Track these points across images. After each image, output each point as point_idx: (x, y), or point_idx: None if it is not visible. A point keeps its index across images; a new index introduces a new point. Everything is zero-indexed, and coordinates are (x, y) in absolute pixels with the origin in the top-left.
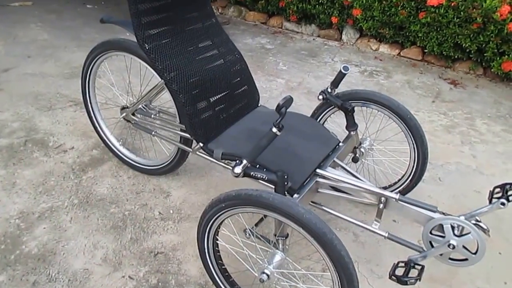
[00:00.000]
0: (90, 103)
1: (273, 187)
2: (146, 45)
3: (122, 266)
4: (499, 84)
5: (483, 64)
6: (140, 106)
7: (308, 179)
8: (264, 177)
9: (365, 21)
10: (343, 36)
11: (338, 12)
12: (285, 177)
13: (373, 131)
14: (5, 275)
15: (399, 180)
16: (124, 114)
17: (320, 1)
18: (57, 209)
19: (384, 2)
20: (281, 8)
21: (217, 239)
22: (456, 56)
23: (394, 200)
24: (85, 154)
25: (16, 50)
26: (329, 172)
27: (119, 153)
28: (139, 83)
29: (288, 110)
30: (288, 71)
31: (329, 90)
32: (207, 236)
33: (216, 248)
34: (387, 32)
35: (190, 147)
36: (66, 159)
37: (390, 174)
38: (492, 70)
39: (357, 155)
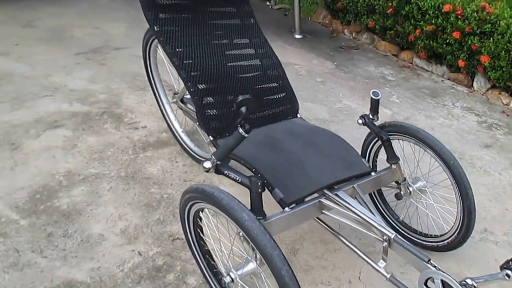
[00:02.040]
0: (155, 85)
1: None
2: (156, 27)
3: (136, 241)
4: None
5: None
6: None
7: (312, 196)
8: (237, 179)
9: (493, 70)
10: (474, 84)
11: (466, 56)
12: (259, 184)
13: (424, 172)
14: (27, 221)
15: (448, 231)
16: (174, 100)
17: (448, 41)
18: (102, 177)
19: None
20: (411, 42)
21: (200, 233)
22: None
23: (391, 238)
24: (153, 135)
25: (135, 33)
26: (339, 196)
27: (180, 139)
28: None
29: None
30: (399, 105)
31: (370, 116)
32: (188, 227)
33: (202, 242)
34: None
35: None
36: (133, 135)
37: (441, 224)
38: None
39: (402, 192)
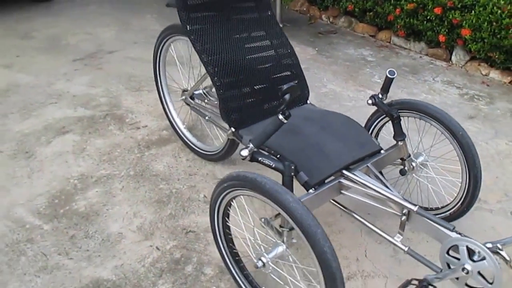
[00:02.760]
0: (161, 84)
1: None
2: (188, 26)
3: (153, 237)
4: None
5: None
6: (199, 91)
7: (332, 177)
8: (271, 164)
9: (474, 43)
10: (453, 57)
11: (446, 30)
12: (292, 168)
13: (427, 146)
14: (50, 225)
15: (451, 202)
16: (183, 97)
17: (428, 18)
18: (113, 177)
19: (494, 23)
20: (390, 22)
21: (227, 221)
22: None
23: (413, 212)
24: (155, 133)
25: (126, 36)
26: (356, 175)
27: (182, 135)
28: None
29: (336, 111)
30: (381, 84)
31: (380, 95)
32: (216, 216)
33: (227, 230)
34: (496, 57)
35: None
36: (136, 135)
37: (442, 195)
38: None
39: (406, 168)
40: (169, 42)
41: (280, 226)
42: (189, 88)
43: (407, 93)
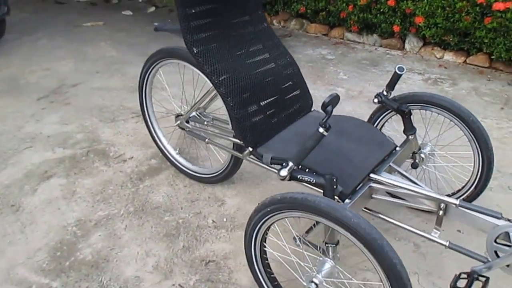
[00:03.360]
0: (148, 112)
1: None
2: (194, 49)
3: (172, 274)
4: None
5: None
6: (194, 113)
7: (361, 184)
8: (312, 180)
9: (428, 29)
10: (406, 45)
11: (400, 20)
12: (334, 180)
13: (433, 136)
14: (59, 282)
15: (463, 187)
16: (178, 122)
17: (381, 10)
18: (113, 217)
19: (447, 8)
20: (342, 19)
21: (265, 246)
22: None
23: (455, 206)
24: (144, 164)
25: (85, 67)
26: (384, 177)
27: (176, 162)
28: (193, 90)
29: (342, 114)
30: (348, 80)
31: (384, 93)
32: (253, 243)
33: (264, 255)
34: (451, 39)
35: (242, 153)
36: (125, 168)
37: (453, 181)
38: None
39: (417, 161)
40: (157, 68)
41: (324, 242)
42: (182, 113)
43: (375, 85)
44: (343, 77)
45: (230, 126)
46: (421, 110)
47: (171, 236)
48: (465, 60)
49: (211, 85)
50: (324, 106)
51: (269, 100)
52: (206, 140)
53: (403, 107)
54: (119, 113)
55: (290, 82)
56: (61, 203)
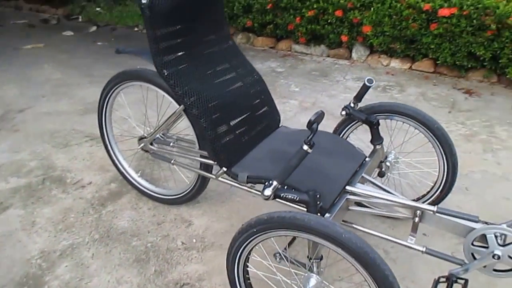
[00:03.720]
0: (107, 136)
1: (303, 208)
2: (165, 71)
3: None
4: None
5: (497, 71)
6: (157, 135)
7: (339, 197)
8: (295, 197)
9: (375, 37)
10: (353, 54)
11: (347, 30)
12: (317, 196)
13: (396, 144)
14: None
15: (428, 192)
16: (142, 145)
17: (329, 21)
18: (78, 246)
19: (394, 16)
20: (290, 31)
21: (248, 266)
22: (469, 65)
23: (432, 212)
24: (103, 189)
25: (30, 91)
26: (359, 188)
27: (138, 185)
28: (154, 112)
29: (305, 128)
30: (300, 92)
31: (351, 105)
32: (237, 264)
33: (247, 275)
34: (398, 47)
35: (211, 173)
36: (85, 194)
37: (417, 187)
38: (507, 76)
39: (383, 169)
40: (118, 91)
41: (309, 258)
42: (146, 135)
43: (327, 96)
44: (295, 89)
45: (196, 146)
46: (386, 120)
47: (141, 261)
48: (410, 66)
49: (177, 106)
50: (310, 123)
51: (240, 118)
52: (172, 161)
53: (371, 118)
54: (71, 137)
55: (258, 100)
56: (21, 235)
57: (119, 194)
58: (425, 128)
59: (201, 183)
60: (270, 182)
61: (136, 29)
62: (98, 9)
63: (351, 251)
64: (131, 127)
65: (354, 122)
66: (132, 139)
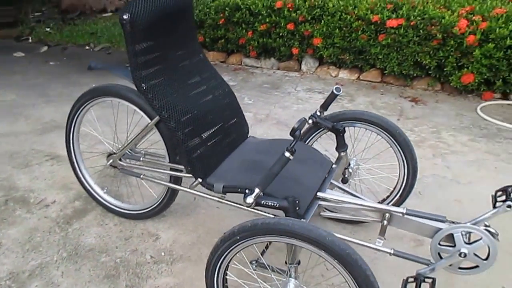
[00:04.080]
0: (74, 153)
1: (271, 215)
2: (143, 85)
3: None
4: (458, 97)
5: (441, 79)
6: (126, 151)
7: (311, 203)
8: (275, 204)
9: (325, 49)
10: (303, 66)
11: (298, 43)
12: (297, 202)
13: (358, 151)
14: None
15: (388, 196)
16: (111, 161)
17: (280, 34)
18: (47, 265)
19: (344, 28)
20: (241, 45)
21: (227, 274)
22: (415, 74)
23: (401, 215)
24: (68, 207)
25: None
26: (330, 194)
27: (103, 201)
28: (119, 129)
29: (272, 138)
30: (254, 105)
31: (318, 113)
32: (217, 273)
33: (225, 284)
34: (347, 58)
35: (180, 185)
36: (50, 213)
37: (378, 192)
38: (451, 84)
39: (346, 175)
40: (88, 107)
41: (286, 263)
42: (114, 151)
43: (280, 107)
44: (249, 102)
45: (166, 160)
46: (349, 127)
47: (112, 277)
48: (358, 77)
49: (147, 121)
50: (293, 131)
51: (212, 130)
52: (141, 176)
53: (338, 125)
54: (31, 157)
55: (228, 111)
56: None
57: (84, 212)
58: (387, 134)
59: (170, 197)
60: (252, 190)
61: (87, 47)
62: (47, 29)
63: (334, 253)
64: (96, 143)
65: (319, 130)
66: (95, 156)
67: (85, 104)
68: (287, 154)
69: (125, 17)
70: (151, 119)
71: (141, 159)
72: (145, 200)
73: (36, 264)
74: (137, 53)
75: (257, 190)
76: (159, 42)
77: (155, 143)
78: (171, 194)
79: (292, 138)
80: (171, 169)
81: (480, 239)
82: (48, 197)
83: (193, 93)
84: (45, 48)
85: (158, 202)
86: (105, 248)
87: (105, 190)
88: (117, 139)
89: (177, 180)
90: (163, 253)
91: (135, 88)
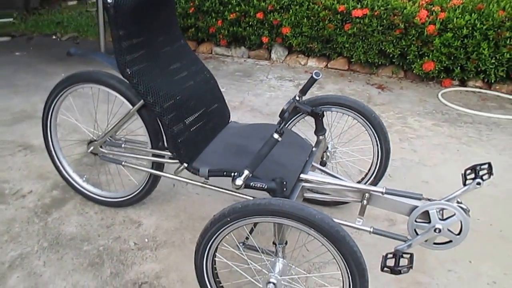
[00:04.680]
0: (52, 142)
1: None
2: (128, 70)
3: None
4: (420, 84)
5: (404, 67)
6: (106, 138)
7: (295, 185)
8: (264, 186)
9: (294, 38)
10: (272, 55)
11: (268, 32)
12: (284, 183)
13: (335, 135)
14: None
15: (363, 178)
16: (92, 148)
17: (250, 23)
18: (27, 255)
19: (312, 18)
20: (211, 34)
21: (216, 256)
22: (380, 62)
23: (380, 194)
24: (45, 196)
25: None
26: (313, 176)
27: (83, 190)
28: (99, 116)
29: (252, 122)
30: (227, 92)
31: (297, 98)
32: (206, 255)
33: (214, 265)
34: (315, 46)
35: (162, 171)
36: (27, 203)
37: (353, 174)
38: (413, 71)
39: (324, 158)
40: (67, 94)
41: (274, 244)
42: (95, 138)
43: (253, 95)
44: (222, 90)
45: (148, 146)
46: (326, 112)
47: (96, 264)
48: (326, 65)
49: (129, 107)
50: (282, 112)
51: (196, 115)
52: (123, 163)
53: (317, 110)
54: (3, 148)
55: (210, 96)
56: None
57: (63, 201)
58: (362, 118)
59: (152, 183)
60: (241, 172)
61: (54, 37)
62: (10, 19)
63: (324, 231)
64: (67, 132)
65: (298, 115)
66: (70, 145)
67: (64, 91)
68: (275, 135)
69: (109, 0)
70: (133, 105)
71: (122, 145)
72: (126, 187)
73: (16, 255)
74: (121, 37)
75: (246, 172)
76: (142, 27)
77: (131, 132)
78: (153, 181)
79: (275, 122)
80: (153, 155)
81: (454, 215)
82: (24, 187)
83: (175, 79)
84: (7, 38)
85: (140, 189)
86: (87, 237)
87: (84, 179)
88: (97, 126)
89: (159, 166)
90: (146, 240)
91: (115, 75)
